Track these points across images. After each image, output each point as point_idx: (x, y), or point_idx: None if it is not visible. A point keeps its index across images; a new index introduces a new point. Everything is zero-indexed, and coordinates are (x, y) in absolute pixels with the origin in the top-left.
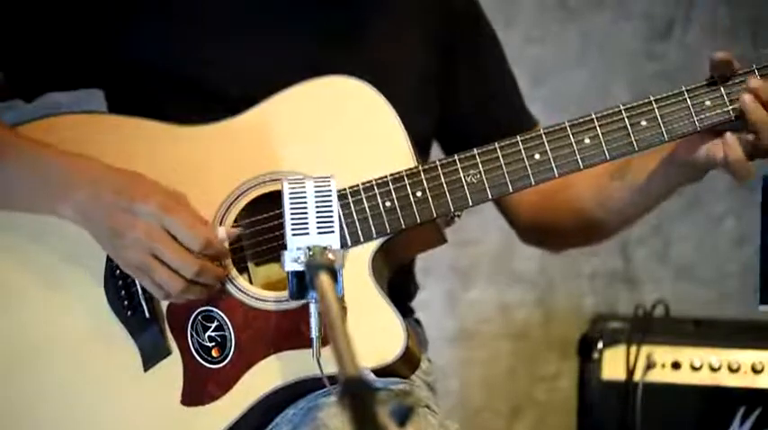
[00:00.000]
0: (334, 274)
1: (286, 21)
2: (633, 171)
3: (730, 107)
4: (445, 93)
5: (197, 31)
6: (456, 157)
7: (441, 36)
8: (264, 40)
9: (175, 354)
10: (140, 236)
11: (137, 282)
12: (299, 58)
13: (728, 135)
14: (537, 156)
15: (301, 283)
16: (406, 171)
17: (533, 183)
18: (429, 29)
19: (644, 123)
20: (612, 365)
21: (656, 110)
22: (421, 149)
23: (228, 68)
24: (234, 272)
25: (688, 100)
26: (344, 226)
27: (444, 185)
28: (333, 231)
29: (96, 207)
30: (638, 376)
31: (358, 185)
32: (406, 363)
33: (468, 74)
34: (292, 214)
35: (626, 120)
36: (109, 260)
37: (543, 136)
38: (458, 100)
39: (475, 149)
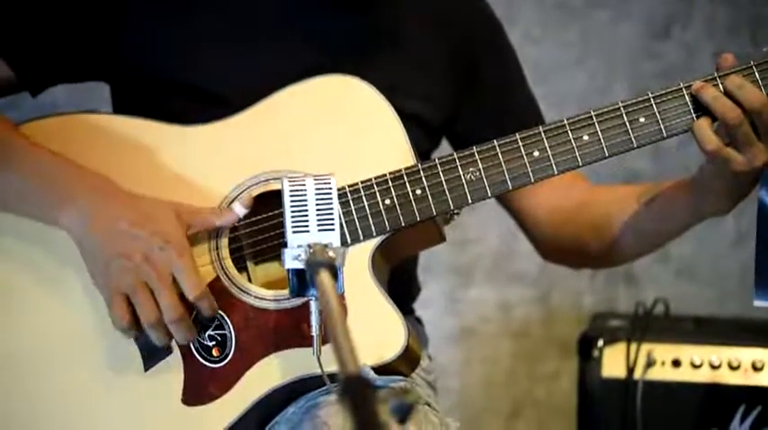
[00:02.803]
0: (334, 272)
1: (295, 30)
2: (662, 197)
3: None
4: (466, 118)
5: (199, 34)
6: (455, 155)
7: (458, 58)
8: (267, 47)
9: (176, 354)
10: (149, 269)
11: None
12: (306, 68)
13: (700, 121)
14: (536, 154)
15: (302, 281)
16: (405, 169)
17: (533, 180)
18: (444, 49)
19: (642, 120)
20: (613, 363)
21: (655, 106)
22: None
23: (231, 74)
24: (234, 271)
25: (686, 96)
26: (344, 224)
27: (444, 183)
28: (333, 229)
29: (106, 230)
30: (638, 374)
31: (357, 184)
32: (407, 361)
33: (489, 102)
34: (292, 212)
35: (624, 116)
36: None
37: (542, 133)
38: (478, 125)
39: (474, 147)
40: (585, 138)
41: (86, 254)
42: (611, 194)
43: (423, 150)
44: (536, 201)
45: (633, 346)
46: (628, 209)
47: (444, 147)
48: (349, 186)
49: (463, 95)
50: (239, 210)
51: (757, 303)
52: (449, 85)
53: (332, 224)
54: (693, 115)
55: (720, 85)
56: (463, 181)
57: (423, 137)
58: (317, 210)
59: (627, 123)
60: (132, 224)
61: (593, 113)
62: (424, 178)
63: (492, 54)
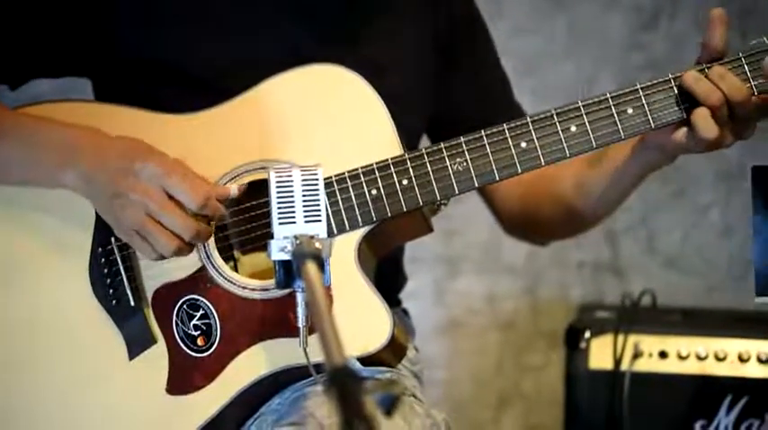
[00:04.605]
0: (321, 263)
1: (282, 13)
2: (609, 156)
3: None
4: (439, 92)
5: (190, 22)
6: (442, 146)
7: (439, 38)
8: (259, 33)
9: (161, 343)
10: (140, 196)
11: (122, 270)
12: (294, 52)
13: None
14: (523, 145)
15: (288, 272)
16: (392, 159)
17: (520, 171)
18: (428, 30)
19: (630, 111)
20: (600, 355)
21: (643, 97)
22: (409, 146)
23: (223, 61)
24: (220, 260)
25: (675, 88)
26: (330, 214)
27: (430, 173)
28: (320, 220)
29: (100, 171)
30: (625, 365)
31: (344, 174)
32: (393, 352)
33: (463, 76)
34: (279, 203)
35: (612, 108)
36: (94, 249)
37: (530, 124)
38: (451, 100)
39: (461, 137)
40: (573, 129)
41: (96, 206)
42: (566, 163)
43: (414, 132)
44: None
45: (620, 338)
46: (579, 174)
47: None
48: (335, 176)
49: (443, 74)
50: (233, 190)
51: (759, 300)
52: (433, 64)
53: (318, 215)
54: (681, 107)
55: (704, 75)
56: (450, 171)
57: (412, 118)
58: (304, 201)
59: (615, 114)
60: (118, 158)
61: (580, 104)
62: (410, 168)
63: (469, 35)
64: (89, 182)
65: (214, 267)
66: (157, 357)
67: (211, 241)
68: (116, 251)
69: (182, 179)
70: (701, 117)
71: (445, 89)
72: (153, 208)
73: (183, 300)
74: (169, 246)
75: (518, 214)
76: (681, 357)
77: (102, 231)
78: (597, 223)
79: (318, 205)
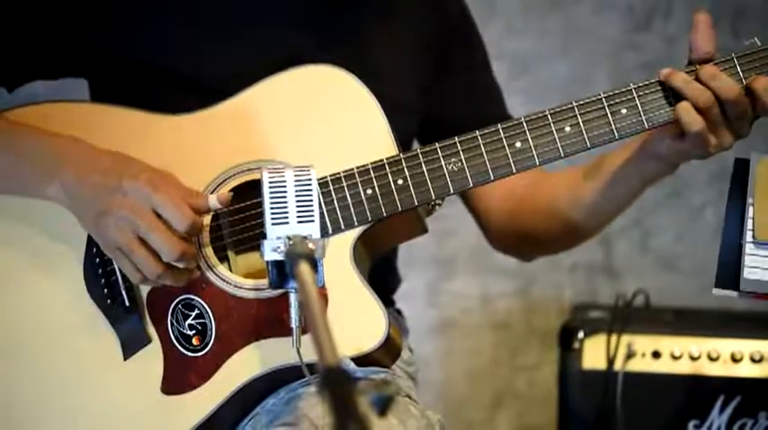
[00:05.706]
0: (314, 264)
1: (281, 17)
2: (606, 168)
3: None
4: (432, 94)
5: (188, 23)
6: (437, 146)
7: (435, 40)
8: (256, 37)
9: (156, 343)
10: (127, 214)
11: (117, 270)
12: (293, 56)
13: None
14: (518, 145)
15: (281, 273)
16: (387, 159)
17: (514, 171)
18: (424, 33)
19: (624, 111)
20: (593, 355)
21: (637, 98)
22: (402, 150)
23: (219, 64)
24: (214, 260)
25: (668, 88)
26: (325, 214)
27: (425, 173)
28: (313, 220)
29: (84, 187)
30: (618, 365)
31: (339, 174)
32: (387, 352)
33: (456, 78)
34: (272, 203)
35: (606, 108)
36: (88, 249)
37: (524, 124)
38: (443, 102)
39: (456, 138)
40: (567, 129)
41: (81, 221)
42: (559, 177)
43: (408, 136)
44: (489, 187)
45: (613, 338)
46: (575, 187)
47: None
48: (330, 176)
49: (436, 76)
50: (213, 203)
51: (716, 292)
52: (429, 67)
53: (312, 215)
54: (675, 107)
55: (695, 75)
56: (445, 171)
57: (408, 121)
58: (297, 201)
59: (609, 115)
60: (105, 173)
61: (575, 104)
62: (405, 168)
63: (463, 38)
64: (73, 196)
65: (208, 266)
66: (152, 357)
67: (206, 240)
68: None
69: (170, 199)
70: (684, 110)
71: (438, 91)
72: (142, 228)
73: (178, 299)
74: (154, 270)
75: (509, 230)
76: (674, 357)
77: None
78: (594, 235)
79: (312, 205)
